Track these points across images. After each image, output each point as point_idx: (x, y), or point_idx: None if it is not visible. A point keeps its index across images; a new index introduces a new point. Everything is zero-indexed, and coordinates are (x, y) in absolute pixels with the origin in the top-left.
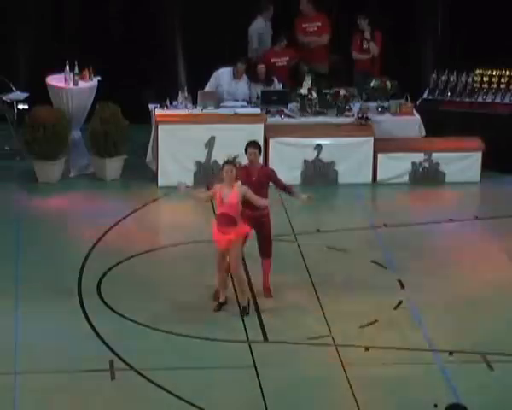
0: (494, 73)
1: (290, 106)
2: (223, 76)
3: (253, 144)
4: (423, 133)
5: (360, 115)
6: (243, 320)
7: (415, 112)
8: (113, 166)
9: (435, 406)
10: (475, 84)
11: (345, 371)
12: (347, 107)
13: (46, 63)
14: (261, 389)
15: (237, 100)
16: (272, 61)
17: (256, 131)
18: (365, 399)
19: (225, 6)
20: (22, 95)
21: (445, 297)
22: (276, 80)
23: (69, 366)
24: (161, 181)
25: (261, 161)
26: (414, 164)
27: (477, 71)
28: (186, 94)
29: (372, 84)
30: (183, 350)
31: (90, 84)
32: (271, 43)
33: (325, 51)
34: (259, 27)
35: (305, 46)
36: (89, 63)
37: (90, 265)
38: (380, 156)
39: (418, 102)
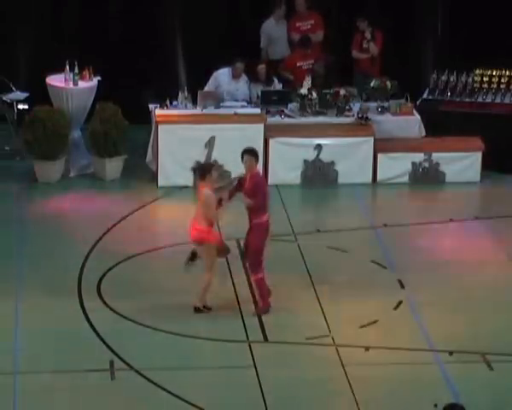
0: (494, 73)
1: (290, 106)
2: (222, 76)
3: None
4: (423, 133)
5: (360, 115)
6: (243, 320)
7: (415, 112)
8: (113, 166)
9: (435, 406)
10: (475, 84)
11: (345, 371)
12: (347, 107)
13: (46, 63)
14: (261, 389)
15: (237, 100)
16: (298, 64)
17: (256, 131)
18: (365, 399)
19: (225, 6)
20: (22, 95)
21: (445, 297)
22: (276, 80)
23: (69, 366)
24: (161, 181)
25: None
26: (414, 164)
27: (477, 71)
28: (186, 94)
29: (372, 84)
30: (183, 350)
31: (90, 84)
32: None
33: (320, 49)
34: (269, 27)
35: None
36: (89, 63)
37: (90, 265)
38: (380, 156)
39: (418, 102)
